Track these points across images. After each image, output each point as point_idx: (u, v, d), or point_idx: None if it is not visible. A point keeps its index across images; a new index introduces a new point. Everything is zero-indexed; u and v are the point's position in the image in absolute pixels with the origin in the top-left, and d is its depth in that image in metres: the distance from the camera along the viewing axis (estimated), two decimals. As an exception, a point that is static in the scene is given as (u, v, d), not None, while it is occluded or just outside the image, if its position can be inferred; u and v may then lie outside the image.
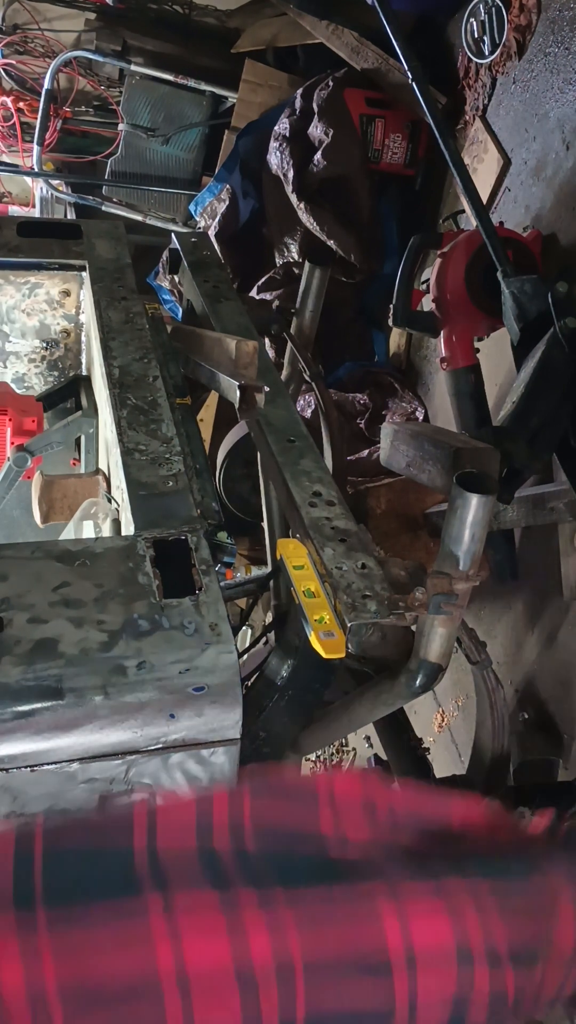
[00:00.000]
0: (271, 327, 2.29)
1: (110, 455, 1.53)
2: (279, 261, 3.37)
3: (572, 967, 0.66)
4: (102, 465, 1.76)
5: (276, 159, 3.24)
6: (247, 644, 1.48)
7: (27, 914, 0.52)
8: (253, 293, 3.33)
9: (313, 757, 3.29)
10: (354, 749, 3.34)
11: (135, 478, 1.25)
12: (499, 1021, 0.61)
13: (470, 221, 2.27)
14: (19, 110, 3.95)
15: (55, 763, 1.00)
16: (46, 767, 1.00)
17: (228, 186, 3.46)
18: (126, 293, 1.71)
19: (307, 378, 2.28)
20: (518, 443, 1.73)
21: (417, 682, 1.25)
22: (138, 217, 3.95)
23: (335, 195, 3.19)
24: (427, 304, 2.32)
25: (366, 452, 2.94)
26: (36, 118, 3.84)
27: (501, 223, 2.36)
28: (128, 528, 1.21)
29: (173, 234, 2.13)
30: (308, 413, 2.88)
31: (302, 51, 3.52)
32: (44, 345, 1.96)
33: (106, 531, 1.50)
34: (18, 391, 2.00)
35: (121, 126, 3.88)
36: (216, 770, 1.07)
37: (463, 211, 2.69)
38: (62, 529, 1.67)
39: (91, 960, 0.51)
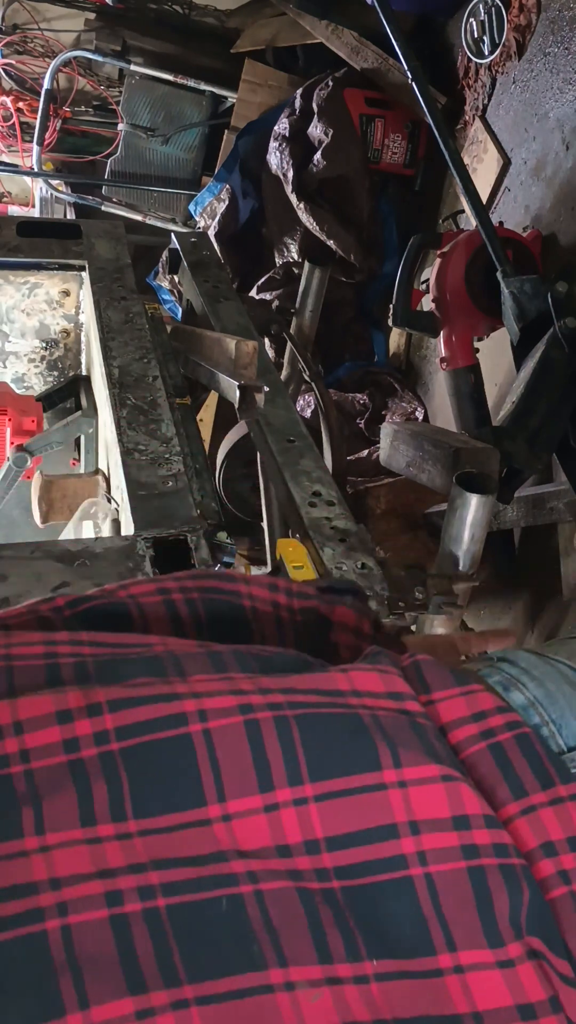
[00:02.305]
0: (271, 327, 2.29)
1: (110, 455, 1.53)
2: (279, 261, 3.37)
3: None
4: (102, 465, 1.76)
5: (276, 159, 3.24)
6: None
7: None
8: (253, 293, 3.33)
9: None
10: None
11: (135, 478, 1.25)
12: None
13: (470, 221, 2.27)
14: (19, 110, 3.94)
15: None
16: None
17: (228, 186, 3.46)
18: (126, 293, 1.71)
19: (307, 378, 2.29)
20: (518, 443, 1.73)
21: (417, 682, 1.25)
22: (138, 217, 3.95)
23: (335, 195, 3.19)
24: (427, 304, 2.32)
25: (366, 452, 2.94)
26: (36, 118, 3.84)
27: (501, 223, 2.37)
28: (128, 528, 1.21)
29: (173, 234, 2.13)
30: (308, 413, 2.88)
31: (302, 51, 3.52)
32: (44, 345, 1.96)
33: (106, 531, 1.50)
34: (18, 391, 2.00)
35: (121, 126, 3.88)
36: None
37: (463, 211, 2.69)
38: (62, 529, 1.67)
39: None
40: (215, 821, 0.50)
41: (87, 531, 1.59)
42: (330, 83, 3.18)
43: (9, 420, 1.91)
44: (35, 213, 4.08)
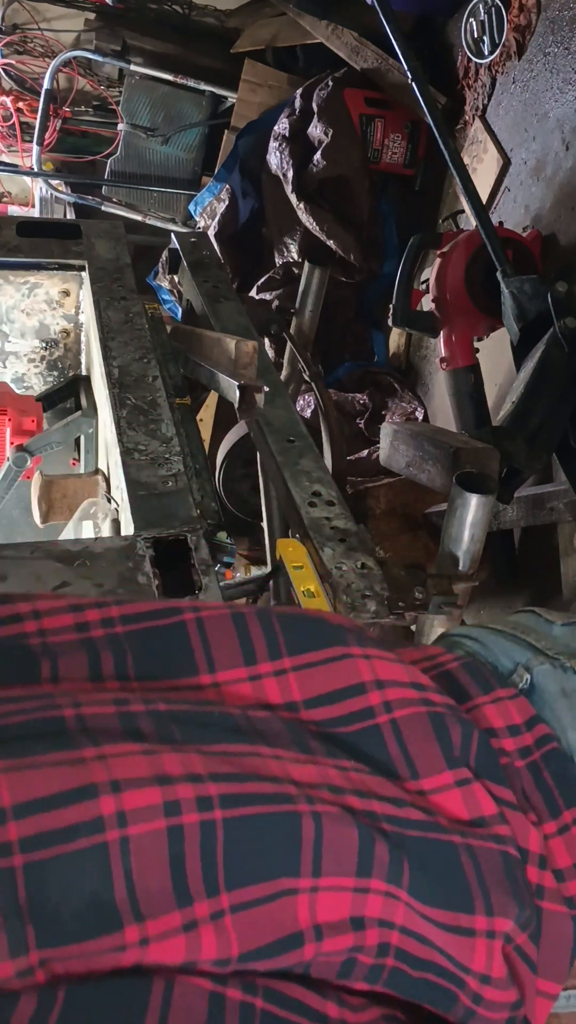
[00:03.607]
0: (271, 327, 2.29)
1: (110, 455, 1.53)
2: (279, 261, 3.37)
3: None
4: (102, 465, 1.76)
5: (276, 159, 3.24)
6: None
7: None
8: (253, 293, 3.33)
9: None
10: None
11: (135, 478, 1.25)
12: None
13: (469, 221, 2.27)
14: (19, 110, 3.94)
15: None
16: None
17: (227, 186, 3.46)
18: (125, 293, 1.71)
19: (307, 378, 2.28)
20: (518, 443, 1.73)
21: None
22: (138, 217, 3.95)
23: (335, 195, 3.19)
24: (427, 304, 2.32)
25: (366, 452, 2.94)
26: (36, 118, 3.84)
27: (500, 223, 2.37)
28: (128, 528, 1.21)
29: (172, 234, 2.13)
30: (308, 413, 2.88)
31: (301, 51, 3.52)
32: (43, 345, 1.96)
33: (106, 531, 1.50)
34: (18, 391, 2.00)
35: (121, 126, 3.87)
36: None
37: (462, 211, 2.69)
38: (62, 529, 1.67)
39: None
40: (207, 688, 0.60)
41: (87, 531, 1.59)
42: (330, 83, 3.18)
43: (9, 420, 1.91)
44: (35, 213, 4.08)
